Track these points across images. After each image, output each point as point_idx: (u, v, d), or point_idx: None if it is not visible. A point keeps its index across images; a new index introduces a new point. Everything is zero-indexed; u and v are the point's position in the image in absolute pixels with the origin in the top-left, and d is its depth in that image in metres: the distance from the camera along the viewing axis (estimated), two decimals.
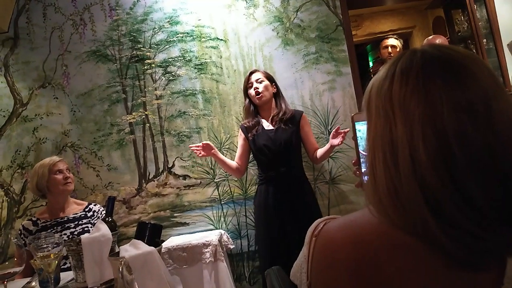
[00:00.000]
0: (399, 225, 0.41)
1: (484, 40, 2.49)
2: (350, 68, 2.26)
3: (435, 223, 0.38)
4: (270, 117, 1.85)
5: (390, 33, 3.23)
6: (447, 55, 0.42)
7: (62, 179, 1.69)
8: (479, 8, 2.50)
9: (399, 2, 3.22)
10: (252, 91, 1.84)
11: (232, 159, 2.31)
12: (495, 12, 2.46)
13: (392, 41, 2.78)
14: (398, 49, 2.77)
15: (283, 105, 1.87)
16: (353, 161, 0.54)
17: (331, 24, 2.28)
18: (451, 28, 2.79)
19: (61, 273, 1.31)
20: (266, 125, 1.85)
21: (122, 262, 1.00)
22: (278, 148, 1.75)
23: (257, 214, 1.86)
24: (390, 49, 2.76)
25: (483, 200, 0.37)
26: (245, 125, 1.87)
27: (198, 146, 1.80)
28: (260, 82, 1.84)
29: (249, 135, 1.84)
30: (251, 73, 1.89)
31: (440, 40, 2.28)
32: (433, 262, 0.40)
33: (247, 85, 1.88)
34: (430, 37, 2.37)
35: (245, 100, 1.91)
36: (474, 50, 2.53)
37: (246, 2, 2.31)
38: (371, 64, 4.06)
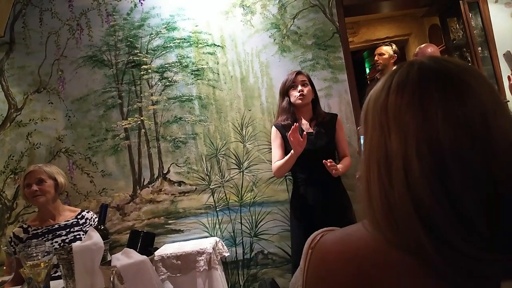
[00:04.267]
0: (392, 241, 0.40)
1: (479, 48, 2.52)
2: (347, 75, 2.27)
3: (429, 241, 0.37)
4: (308, 120, 1.87)
5: (386, 40, 3.25)
6: (445, 68, 0.41)
7: (29, 193, 1.64)
8: (474, 17, 2.53)
9: (396, 10, 3.25)
10: (296, 92, 1.82)
11: (228, 166, 2.30)
12: (490, 20, 2.49)
13: (379, 49, 2.79)
14: (387, 56, 2.77)
15: (320, 110, 1.91)
16: (357, 176, 0.53)
17: (328, 31, 2.29)
18: (447, 36, 2.81)
19: (51, 282, 1.29)
20: (305, 127, 1.85)
21: (114, 271, 0.99)
22: (319, 152, 1.76)
23: (294, 215, 1.85)
24: (377, 57, 2.78)
25: (481, 221, 0.36)
26: (282, 123, 1.84)
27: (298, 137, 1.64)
28: (305, 85, 1.84)
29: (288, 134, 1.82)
30: (297, 74, 1.87)
31: (431, 49, 2.30)
32: (426, 281, 0.39)
33: (291, 84, 1.85)
34: (422, 45, 2.39)
35: (283, 99, 1.88)
36: (469, 58, 2.55)
37: (243, 8, 2.32)
38: (367, 70, 4.09)
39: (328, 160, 1.66)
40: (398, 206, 0.38)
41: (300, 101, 1.82)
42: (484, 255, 0.36)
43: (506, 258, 0.36)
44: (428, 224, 0.37)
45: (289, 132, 1.63)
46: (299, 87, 1.82)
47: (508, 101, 2.31)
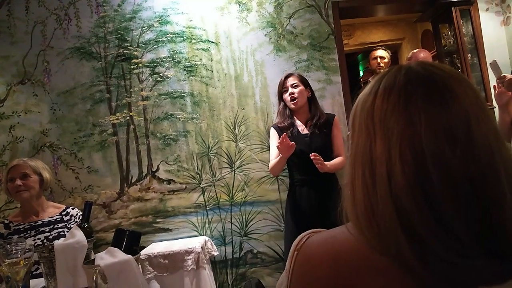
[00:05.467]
0: (374, 245, 0.40)
1: (469, 55, 2.56)
2: (340, 77, 2.27)
3: (409, 247, 0.37)
4: (305, 121, 1.86)
5: (380, 44, 3.29)
6: (431, 74, 0.41)
7: (13, 188, 1.58)
8: (465, 24, 2.58)
9: (390, 14, 3.29)
10: (287, 96, 1.83)
11: (220, 164, 2.27)
12: (481, 28, 2.54)
13: (381, 52, 2.83)
14: (386, 60, 2.82)
15: (317, 110, 1.89)
16: (345, 182, 0.53)
17: (323, 32, 2.29)
18: (438, 41, 2.86)
19: (32, 280, 1.25)
20: (301, 129, 1.85)
21: (97, 271, 0.97)
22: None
23: (289, 216, 1.84)
24: (379, 60, 2.81)
25: (461, 228, 0.36)
26: (279, 125, 1.86)
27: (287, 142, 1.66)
28: (296, 87, 1.82)
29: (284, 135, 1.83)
30: (286, 77, 1.87)
31: (423, 54, 2.33)
32: (407, 286, 0.38)
33: (282, 89, 1.86)
34: (415, 50, 2.43)
35: (279, 103, 1.90)
36: (459, 65, 2.59)
37: (239, 5, 2.30)
38: (361, 73, 4.13)
39: (313, 154, 1.66)
40: (380, 210, 0.39)
41: (293, 106, 1.83)
42: (464, 261, 0.36)
43: (486, 264, 0.36)
44: (408, 229, 0.37)
45: (278, 142, 1.66)
46: (290, 90, 1.82)
47: (494, 107, 2.36)
